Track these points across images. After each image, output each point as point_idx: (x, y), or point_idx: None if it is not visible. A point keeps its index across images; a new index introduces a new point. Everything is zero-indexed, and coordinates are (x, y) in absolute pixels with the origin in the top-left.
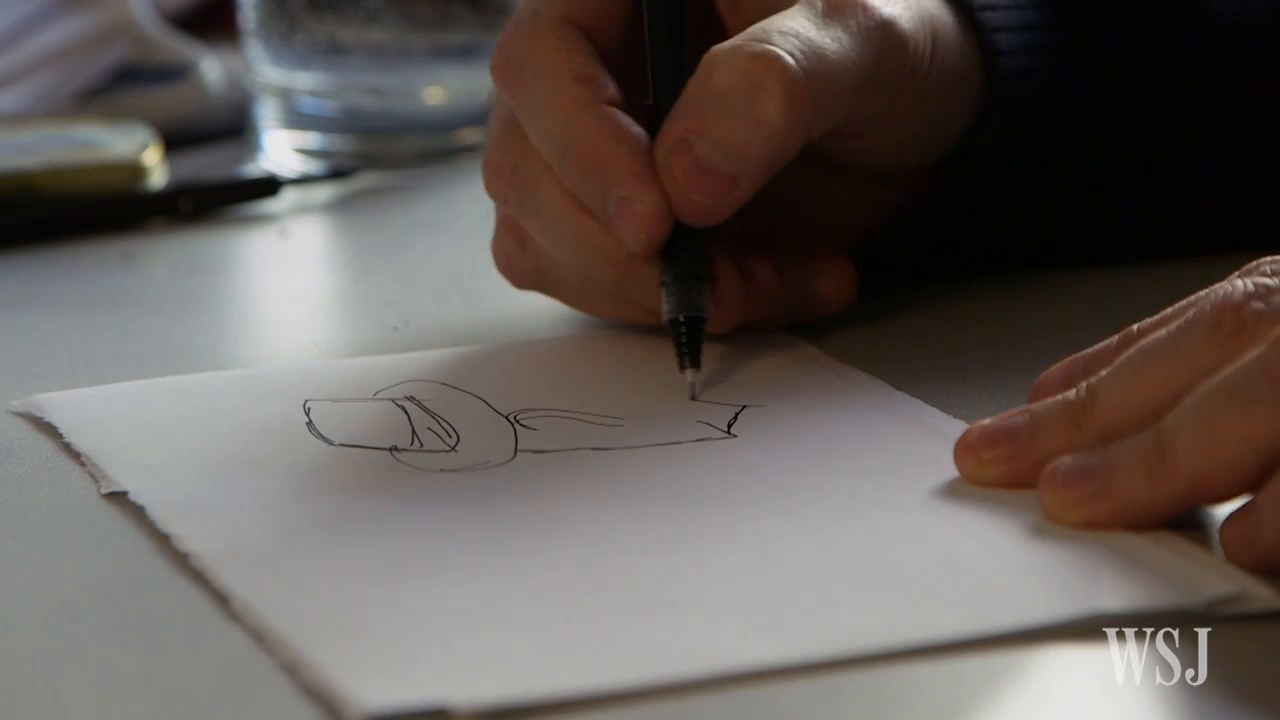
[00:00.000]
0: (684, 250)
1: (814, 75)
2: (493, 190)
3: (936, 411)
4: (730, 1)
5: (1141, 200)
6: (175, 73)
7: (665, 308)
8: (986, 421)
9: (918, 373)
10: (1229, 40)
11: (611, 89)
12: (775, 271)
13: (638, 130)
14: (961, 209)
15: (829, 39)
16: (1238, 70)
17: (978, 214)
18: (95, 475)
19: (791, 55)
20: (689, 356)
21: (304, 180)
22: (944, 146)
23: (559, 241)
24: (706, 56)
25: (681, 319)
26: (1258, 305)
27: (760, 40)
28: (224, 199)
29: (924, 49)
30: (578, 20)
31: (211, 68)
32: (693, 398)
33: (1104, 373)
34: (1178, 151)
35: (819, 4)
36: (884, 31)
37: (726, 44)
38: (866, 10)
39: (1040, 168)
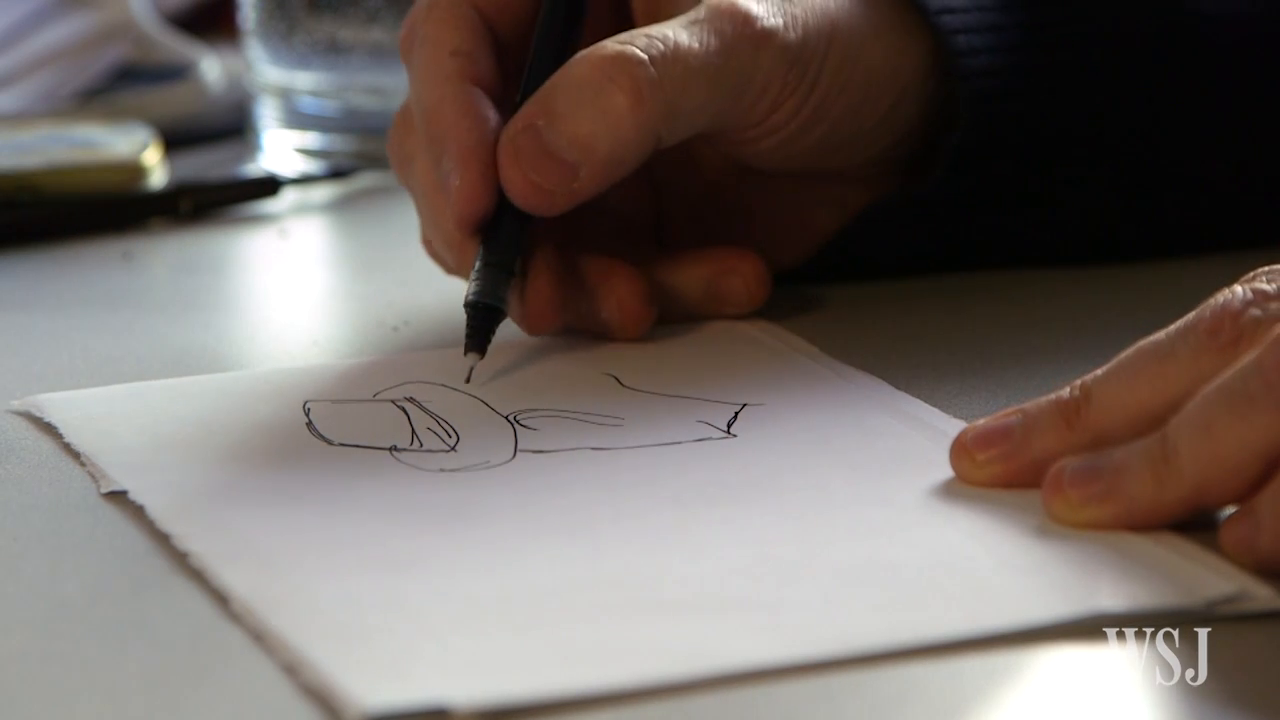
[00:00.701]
0: (501, 238)
1: (667, 78)
2: (392, 168)
3: (936, 411)
4: (644, 12)
5: (1114, 199)
6: (175, 73)
7: (467, 289)
8: (980, 422)
9: (918, 373)
10: (1206, 36)
11: (486, 70)
12: (639, 287)
13: (489, 112)
14: (928, 206)
15: (696, 44)
16: (1216, 66)
17: (946, 211)
18: (95, 475)
19: (648, 54)
20: (472, 340)
21: (304, 180)
22: (879, 143)
23: (423, 219)
24: (574, 56)
25: (477, 303)
26: (1255, 312)
27: (625, 41)
28: (224, 199)
29: (813, 58)
30: (478, 2)
31: (211, 68)
32: (467, 380)
33: (1099, 371)
34: (1151, 150)
35: (702, 11)
36: (759, 42)
37: (599, 43)
38: (747, 20)
39: (1009, 167)
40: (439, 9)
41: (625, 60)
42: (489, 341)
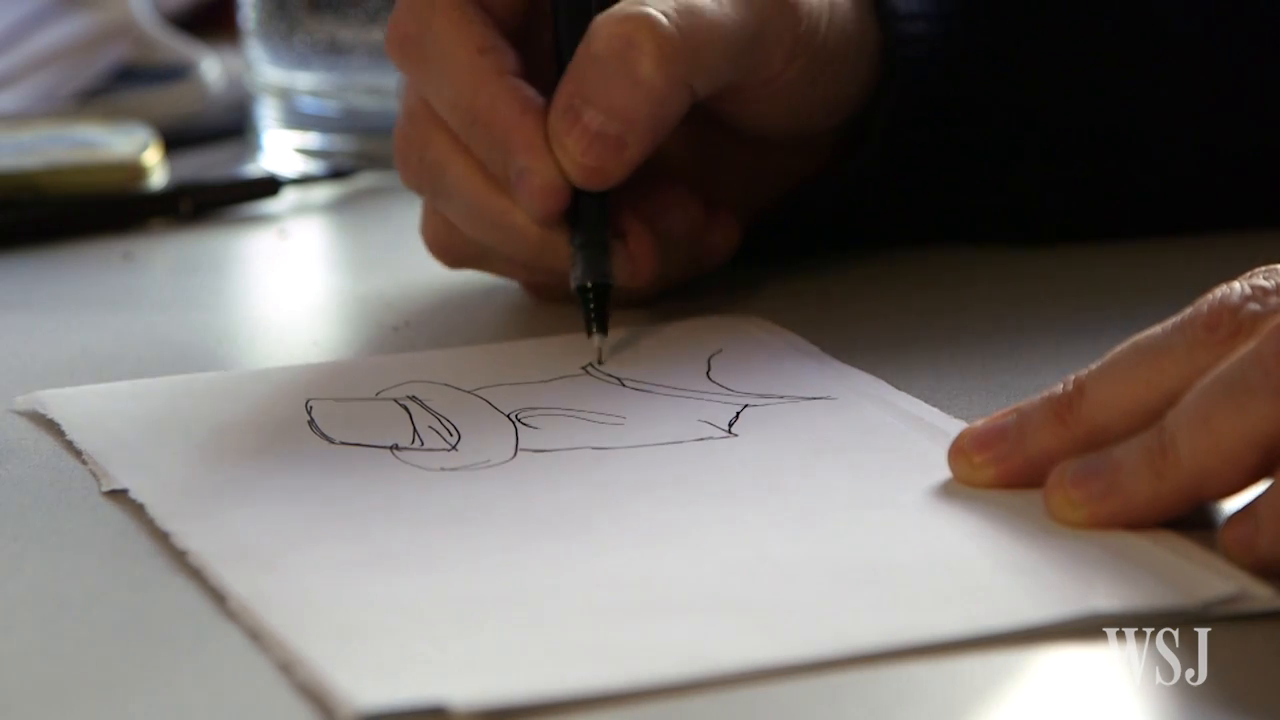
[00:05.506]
0: (587, 217)
1: (688, 32)
2: (405, 179)
3: (936, 410)
4: None
5: (1048, 175)
6: (175, 73)
7: (572, 274)
8: (977, 424)
9: (918, 372)
10: (1143, 14)
11: (514, 59)
12: (684, 220)
13: (535, 95)
14: (865, 176)
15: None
16: (1153, 44)
17: (881, 181)
18: (96, 473)
19: (664, 14)
20: (596, 322)
21: (304, 180)
22: (841, 113)
23: (472, 222)
24: (591, 23)
25: (588, 285)
26: (1254, 307)
27: (636, 2)
28: (224, 199)
29: (819, 13)
30: None
31: (211, 68)
32: (600, 362)
33: (1094, 366)
34: (1086, 126)
35: None
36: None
37: (609, 10)
38: None
39: (939, 138)
40: (439, 8)
41: (643, 22)
42: (608, 317)
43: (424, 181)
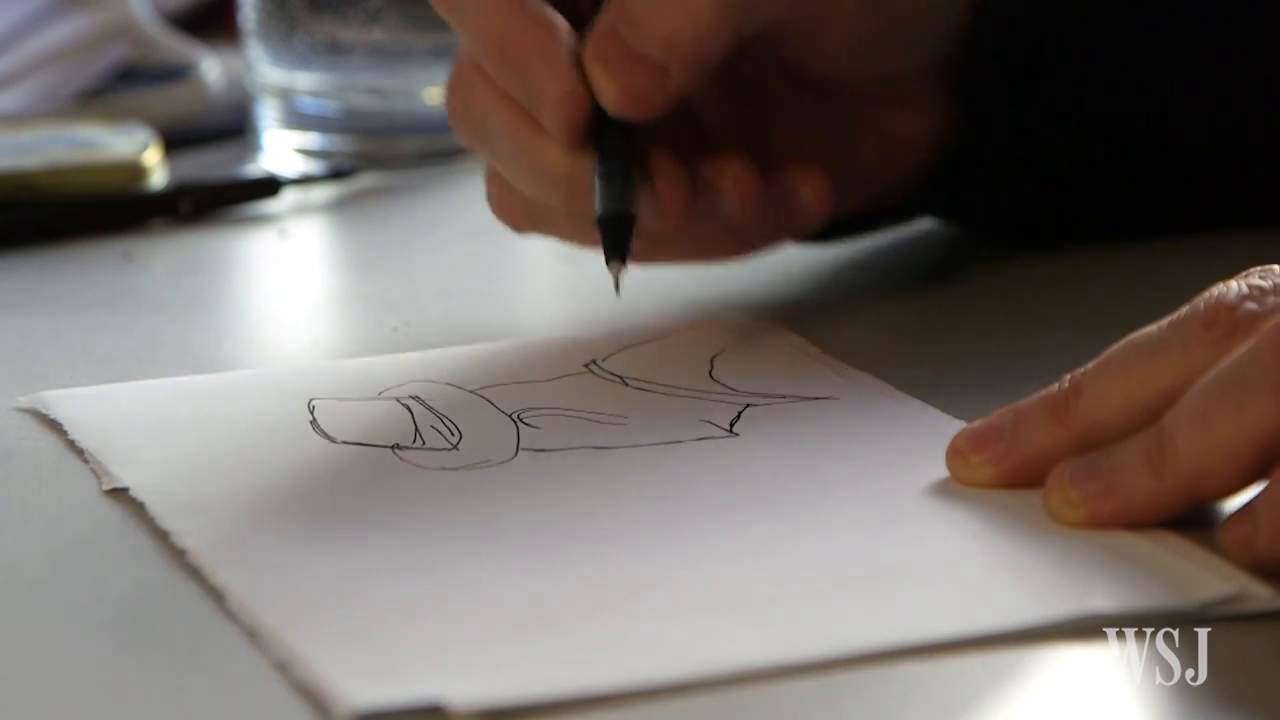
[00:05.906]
0: (612, 148)
1: None
2: (458, 135)
3: (936, 411)
4: None
5: (1128, 164)
6: (175, 73)
7: (595, 204)
8: (975, 424)
9: (918, 373)
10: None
11: None
12: (752, 174)
13: (559, 19)
14: (962, 135)
15: None
16: (1237, 30)
17: (974, 146)
18: (97, 471)
19: None
20: (614, 250)
21: (304, 180)
22: (915, 51)
23: (511, 165)
24: None
25: (613, 215)
26: (1251, 306)
27: None
28: (224, 199)
29: None
30: None
31: (211, 68)
32: (617, 292)
33: (1090, 365)
34: (1168, 114)
35: None
36: None
37: None
38: None
39: (1034, 111)
40: None
41: None
42: (628, 248)
43: (471, 133)
